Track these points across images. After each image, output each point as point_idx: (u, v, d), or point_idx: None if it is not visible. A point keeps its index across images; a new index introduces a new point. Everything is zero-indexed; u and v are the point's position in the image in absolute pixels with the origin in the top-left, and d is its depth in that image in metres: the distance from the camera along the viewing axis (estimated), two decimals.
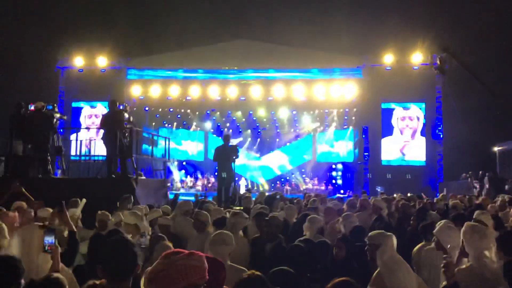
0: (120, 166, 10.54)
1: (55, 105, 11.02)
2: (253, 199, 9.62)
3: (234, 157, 10.91)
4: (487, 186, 16.96)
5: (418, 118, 21.94)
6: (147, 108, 23.63)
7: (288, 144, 26.62)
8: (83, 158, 13.64)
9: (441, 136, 21.50)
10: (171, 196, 12.67)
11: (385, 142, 21.95)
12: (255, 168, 26.52)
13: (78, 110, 22.89)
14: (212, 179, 23.16)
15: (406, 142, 21.84)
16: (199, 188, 23.10)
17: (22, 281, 2.68)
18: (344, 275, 3.07)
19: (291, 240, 5.11)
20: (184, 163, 26.06)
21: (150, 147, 13.50)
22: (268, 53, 21.65)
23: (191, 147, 26.75)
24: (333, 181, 23.99)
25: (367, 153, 21.57)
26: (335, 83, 22.15)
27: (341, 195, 18.28)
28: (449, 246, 3.96)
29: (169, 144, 13.62)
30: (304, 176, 25.62)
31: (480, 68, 18.39)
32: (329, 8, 21.57)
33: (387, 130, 22.00)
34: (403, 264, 4.00)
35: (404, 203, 8.37)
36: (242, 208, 8.17)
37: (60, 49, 21.28)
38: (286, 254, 4.43)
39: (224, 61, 22.11)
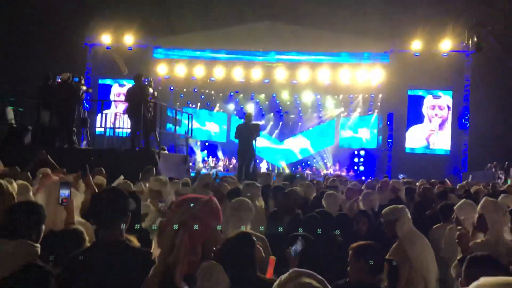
0: (144, 139, 10.69)
1: (81, 77, 11.19)
2: (274, 179, 9.64)
3: (255, 136, 10.92)
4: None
5: (448, 107, 21.52)
6: (172, 88, 23.82)
7: (310, 128, 26.51)
8: (107, 133, 13.87)
9: (468, 125, 21.08)
10: (192, 174, 12.80)
11: (412, 130, 21.60)
12: (277, 152, 26.55)
13: (105, 87, 23.18)
14: (234, 160, 23.28)
15: (432, 132, 21.47)
16: (221, 168, 23.28)
17: (43, 227, 2.77)
18: None
19: None
20: (206, 143, 26.27)
21: (174, 126, 13.63)
22: (293, 35, 21.46)
23: (214, 128, 26.91)
24: (355, 168, 23.85)
25: (390, 140, 21.33)
26: (362, 67, 21.89)
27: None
28: (469, 222, 3.93)
29: (192, 121, 13.73)
30: (325, 161, 25.53)
31: None
32: None
33: (413, 117, 21.66)
34: (421, 235, 4.03)
35: (426, 186, 8.29)
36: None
37: (88, 26, 21.50)
38: (303, 224, 4.46)
39: (250, 42, 22.02)
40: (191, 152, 21.79)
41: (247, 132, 10.94)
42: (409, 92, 21.69)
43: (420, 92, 21.70)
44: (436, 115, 21.53)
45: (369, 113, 24.48)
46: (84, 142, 12.11)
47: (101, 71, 22.64)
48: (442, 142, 21.48)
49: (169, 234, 1.97)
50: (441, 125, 21.50)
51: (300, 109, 25.77)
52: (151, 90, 10.98)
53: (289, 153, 26.69)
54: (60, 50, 18.62)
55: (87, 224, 3.59)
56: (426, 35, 20.56)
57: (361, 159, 24.11)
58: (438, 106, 21.55)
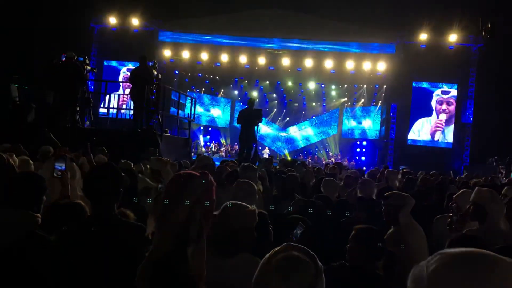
0: (146, 121, 10.73)
1: (86, 57, 11.21)
2: (275, 165, 9.70)
3: (257, 121, 10.93)
4: None
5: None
6: (176, 72, 23.80)
7: (314, 117, 26.51)
8: (111, 115, 13.91)
9: (471, 119, 21.03)
10: (193, 158, 12.85)
11: (419, 122, 21.48)
12: (279, 139, 26.58)
13: (110, 69, 23.17)
14: (236, 146, 23.33)
15: (438, 128, 21.37)
16: (223, 154, 23.37)
17: (44, 198, 2.82)
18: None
19: None
20: (209, 128, 26.34)
21: (177, 109, 13.67)
22: (300, 23, 21.35)
23: (218, 113, 26.93)
24: (357, 157, 23.90)
25: (393, 131, 21.32)
26: (367, 58, 21.82)
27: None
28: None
29: (195, 105, 13.75)
30: (327, 150, 25.56)
31: None
32: None
33: (417, 109, 21.58)
34: (417, 224, 4.07)
35: (424, 176, 8.32)
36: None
37: (95, 7, 21.43)
38: (301, 209, 4.51)
39: (256, 29, 21.92)
40: (194, 136, 21.85)
41: (249, 117, 10.95)
42: (414, 84, 21.60)
43: (424, 85, 21.60)
44: (443, 110, 21.41)
45: (373, 104, 24.44)
46: (87, 122, 12.16)
47: (107, 53, 22.62)
48: (445, 135, 21.42)
49: (178, 213, 1.91)
50: (447, 121, 21.39)
51: (304, 97, 25.74)
52: (155, 72, 10.98)
53: (292, 142, 26.73)
54: (66, 30, 18.58)
55: (86, 199, 3.65)
56: (433, 27, 20.42)
57: (363, 149, 24.17)
58: (446, 101, 21.42)
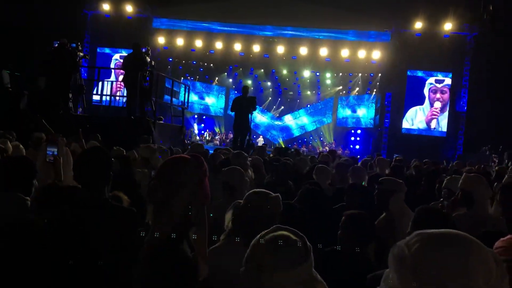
0: (139, 108, 10.68)
1: (79, 44, 11.11)
2: (269, 153, 9.71)
3: (251, 109, 10.93)
4: (506, 161, 16.71)
5: (449, 92, 21.42)
6: (170, 59, 23.66)
7: (309, 105, 26.50)
8: (104, 102, 13.83)
9: (465, 108, 21.10)
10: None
11: (412, 111, 21.55)
12: (274, 127, 26.59)
13: (103, 56, 22.99)
14: (231, 135, 23.32)
15: (434, 116, 21.42)
16: (217, 142, 23.35)
17: (35, 182, 2.82)
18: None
19: None
20: (204, 117, 26.28)
21: (171, 97, 13.63)
22: (295, 10, 21.22)
23: (212, 101, 26.86)
24: (351, 146, 23.97)
25: (387, 120, 21.37)
26: (362, 46, 21.77)
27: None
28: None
29: (189, 93, 13.70)
30: (322, 139, 25.61)
31: None
32: None
33: (412, 98, 21.62)
34: (409, 211, 4.08)
35: (417, 164, 8.36)
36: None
37: None
38: (295, 197, 4.53)
39: (251, 16, 21.79)
40: (188, 124, 21.81)
41: (244, 105, 10.94)
42: (408, 73, 21.60)
43: (419, 73, 21.61)
44: (438, 99, 21.45)
45: (368, 92, 24.45)
46: (80, 109, 12.09)
47: (100, 40, 22.42)
48: (440, 124, 21.49)
49: (179, 197, 1.91)
50: (442, 109, 21.45)
51: (299, 85, 25.70)
52: (148, 59, 10.91)
53: (286, 130, 26.74)
54: (58, 17, 18.38)
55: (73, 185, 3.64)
56: (428, 15, 20.37)
57: (358, 138, 24.23)
58: (440, 90, 21.45)
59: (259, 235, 1.61)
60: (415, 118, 21.45)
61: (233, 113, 11.59)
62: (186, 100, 13.58)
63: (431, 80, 21.47)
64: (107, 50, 22.97)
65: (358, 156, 18.22)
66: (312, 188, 4.65)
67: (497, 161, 17.39)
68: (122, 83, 12.89)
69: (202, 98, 26.49)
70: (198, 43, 22.50)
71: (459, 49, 20.87)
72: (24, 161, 2.85)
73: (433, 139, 21.29)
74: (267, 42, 22.29)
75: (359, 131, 24.47)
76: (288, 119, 26.87)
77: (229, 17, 22.05)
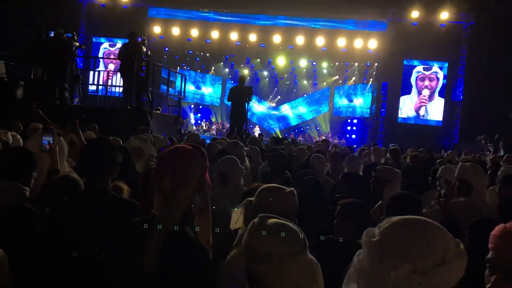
0: (136, 98, 10.66)
1: (74, 33, 11.06)
2: (266, 143, 9.73)
3: (247, 98, 10.93)
4: (501, 150, 16.81)
5: (438, 79, 21.49)
6: (166, 49, 23.56)
7: (305, 95, 26.49)
8: (100, 92, 13.81)
9: (461, 97, 21.16)
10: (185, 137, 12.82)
11: (403, 100, 21.65)
12: (270, 117, 26.58)
13: (99, 46, 22.88)
14: (227, 125, 23.30)
15: (422, 103, 21.50)
16: (214, 132, 23.34)
17: (35, 174, 2.83)
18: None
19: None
20: (200, 106, 26.24)
21: (167, 87, 13.60)
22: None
23: (208, 91, 26.80)
24: (347, 135, 24.02)
25: (383, 109, 21.41)
26: (359, 35, 21.72)
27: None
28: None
29: (185, 82, 13.68)
30: (318, 128, 25.64)
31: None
32: None
33: (407, 87, 21.66)
34: None
35: (414, 153, 8.40)
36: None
37: None
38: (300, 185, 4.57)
39: (247, 5, 21.69)
40: (184, 114, 21.79)
41: (240, 95, 10.94)
42: (405, 62, 21.61)
43: (415, 63, 21.62)
44: (426, 86, 21.50)
45: (364, 81, 24.45)
46: (77, 99, 12.06)
47: (95, 29, 22.29)
48: (433, 112, 21.53)
49: (186, 187, 1.91)
50: (431, 96, 21.51)
51: (295, 75, 25.66)
52: (144, 49, 10.87)
53: (283, 120, 26.74)
54: (54, 6, 18.26)
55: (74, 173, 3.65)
56: (425, 4, 20.33)
57: (354, 128, 24.27)
58: (429, 77, 21.49)
59: (255, 221, 1.59)
60: (403, 107, 21.52)
61: (229, 103, 11.59)
62: (182, 90, 13.56)
63: (419, 68, 21.51)
64: (102, 40, 22.85)
65: (355, 146, 18.31)
66: (311, 178, 4.69)
67: (492, 150, 17.49)
68: (111, 72, 12.85)
69: (198, 87, 26.43)
70: (194, 33, 22.39)
71: (455, 38, 20.88)
72: (23, 152, 2.86)
73: (429, 128, 21.36)
74: (263, 31, 22.20)
75: (355, 121, 24.51)
76: (285, 109, 26.86)
77: (225, 6, 21.95)
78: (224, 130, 23.13)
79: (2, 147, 4.24)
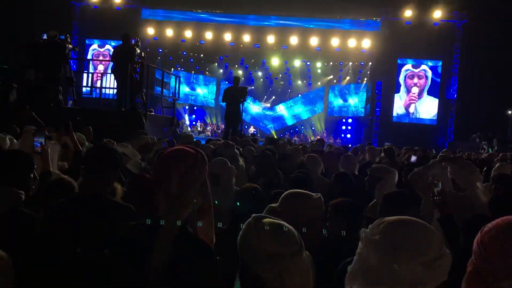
0: (130, 100, 10.63)
1: (68, 35, 11.01)
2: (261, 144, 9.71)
3: (242, 99, 10.92)
4: (496, 147, 16.91)
5: (426, 77, 21.57)
6: (160, 50, 23.51)
7: (300, 95, 26.52)
8: (94, 94, 13.75)
9: (455, 95, 21.25)
10: None
11: (395, 98, 21.73)
12: (265, 117, 26.59)
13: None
14: (222, 126, 23.28)
15: (412, 101, 21.58)
16: (209, 133, 23.32)
17: (31, 175, 2.81)
18: None
19: None
20: (195, 108, 26.21)
21: (161, 88, 13.57)
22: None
23: (203, 92, 26.78)
24: (342, 135, 24.07)
25: (378, 109, 21.46)
26: (352, 34, 21.76)
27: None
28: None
29: (179, 84, 13.65)
30: (313, 128, 25.67)
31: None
32: None
33: (399, 86, 21.74)
34: None
35: (407, 152, 8.43)
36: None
37: None
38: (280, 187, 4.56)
39: (241, 6, 21.70)
40: (179, 116, 21.74)
41: (234, 95, 10.93)
42: (399, 61, 21.68)
43: (409, 62, 21.69)
44: (415, 84, 21.58)
45: (359, 81, 24.50)
46: (70, 102, 12.01)
47: (88, 31, 22.23)
48: (424, 111, 21.58)
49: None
50: (420, 94, 21.59)
51: (290, 75, 25.68)
52: (138, 50, 10.84)
53: (277, 120, 26.76)
54: (46, 8, 18.19)
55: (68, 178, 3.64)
56: (418, 3, 20.42)
57: (349, 127, 24.32)
58: (417, 75, 21.57)
59: (251, 221, 1.59)
60: (397, 106, 21.61)
61: (224, 104, 11.58)
62: (177, 91, 13.53)
63: (408, 66, 21.58)
64: (96, 42, 22.78)
65: (350, 145, 18.35)
66: (298, 176, 4.68)
67: (486, 148, 17.59)
68: (99, 74, 12.78)
69: (193, 89, 26.40)
70: (188, 34, 22.36)
71: (449, 36, 21.00)
72: (19, 154, 2.84)
73: (424, 127, 21.45)
74: (257, 32, 22.19)
75: (350, 120, 24.56)
76: (280, 109, 26.88)
77: (219, 7, 21.94)
78: (219, 131, 23.12)
79: None
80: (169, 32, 22.40)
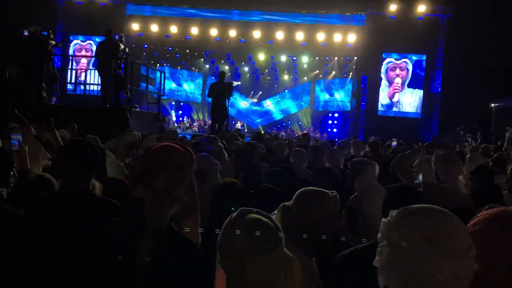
0: (114, 96, 10.55)
1: (50, 32, 10.87)
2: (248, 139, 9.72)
3: (228, 94, 10.91)
4: (479, 140, 17.13)
5: (407, 70, 21.74)
6: (145, 46, 23.33)
7: (286, 90, 26.55)
8: (78, 91, 13.61)
9: (439, 89, 21.45)
10: None
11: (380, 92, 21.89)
12: (253, 113, 26.60)
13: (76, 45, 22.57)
14: (209, 121, 23.21)
15: (396, 90, 21.75)
16: (196, 129, 23.24)
17: (11, 172, 2.78)
18: None
19: None
20: (181, 103, 26.10)
21: (146, 84, 13.48)
22: None
23: (189, 88, 26.67)
24: (329, 130, 24.17)
25: (364, 103, 21.59)
26: (338, 29, 21.81)
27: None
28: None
29: (164, 79, 13.59)
30: (300, 123, 25.74)
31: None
32: None
33: (381, 80, 21.89)
34: (381, 191, 4.13)
35: (386, 144, 8.50)
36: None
37: None
38: (268, 178, 4.57)
39: (226, 1, 21.62)
40: (166, 112, 21.65)
41: (220, 91, 10.91)
42: (384, 56, 21.80)
43: (394, 56, 21.82)
44: (398, 75, 21.73)
45: (344, 76, 24.60)
46: (54, 99, 11.88)
47: (72, 27, 21.96)
48: (406, 104, 21.73)
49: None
50: (402, 85, 21.78)
51: (276, 70, 25.69)
52: (122, 46, 10.75)
53: (267, 114, 26.79)
54: (29, 4, 17.95)
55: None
56: None
57: (335, 121, 24.43)
58: (399, 66, 21.74)
59: (229, 219, 1.59)
60: (378, 99, 21.77)
61: (210, 99, 11.55)
62: (162, 87, 13.47)
63: (390, 59, 21.73)
64: (80, 38, 22.53)
65: (336, 139, 18.42)
66: (277, 170, 4.70)
67: (471, 140, 17.81)
68: (82, 70, 12.64)
69: (179, 84, 26.29)
70: (173, 29, 22.21)
71: (433, 30, 21.14)
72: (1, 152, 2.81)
73: (409, 120, 21.62)
74: (243, 27, 22.14)
75: (336, 115, 24.67)
76: (267, 104, 26.90)
77: (205, 2, 21.82)
78: (206, 127, 23.06)
79: None
80: (154, 28, 22.23)
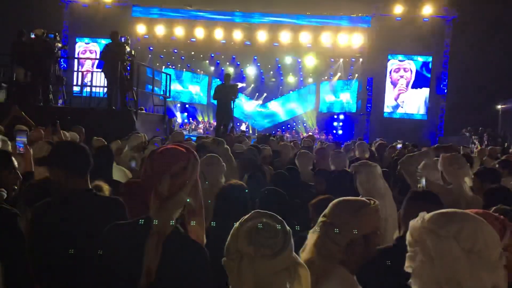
0: (120, 98, 10.58)
1: (57, 34, 10.94)
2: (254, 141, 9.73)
3: (233, 96, 10.91)
4: (486, 142, 17.03)
5: (411, 71, 21.68)
6: (151, 48, 23.41)
7: (291, 92, 26.54)
8: (84, 93, 13.66)
9: (445, 91, 21.37)
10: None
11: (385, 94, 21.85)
12: (258, 114, 26.60)
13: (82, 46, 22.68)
14: (214, 123, 23.21)
15: (401, 91, 21.70)
16: (201, 131, 23.27)
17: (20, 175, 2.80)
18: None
19: None
20: (187, 105, 26.15)
21: (152, 86, 13.52)
22: None
23: (194, 90, 26.72)
24: (334, 131, 24.13)
25: (369, 105, 21.54)
26: (343, 31, 21.79)
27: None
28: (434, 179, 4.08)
29: (170, 82, 13.61)
30: (305, 125, 25.70)
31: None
32: None
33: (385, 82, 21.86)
34: (384, 193, 4.11)
35: (390, 146, 8.49)
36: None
37: None
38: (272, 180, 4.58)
39: (231, 3, 21.66)
40: (171, 114, 21.69)
41: (225, 92, 10.92)
42: (389, 57, 21.76)
43: (400, 57, 21.77)
44: (401, 76, 21.68)
45: (350, 77, 24.55)
46: (61, 101, 11.94)
47: (79, 30, 22.07)
48: (409, 105, 21.67)
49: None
50: (406, 86, 21.72)
51: (281, 72, 25.68)
52: (128, 48, 10.80)
53: (272, 116, 26.78)
54: (36, 7, 18.07)
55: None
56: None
57: (340, 123, 24.38)
58: (403, 68, 21.68)
59: (238, 223, 1.61)
60: (384, 101, 21.72)
61: (215, 101, 11.57)
62: (168, 89, 13.50)
63: (394, 61, 21.68)
64: (86, 40, 22.63)
65: (341, 142, 18.35)
66: (281, 172, 4.70)
67: (477, 142, 17.71)
68: (86, 72, 12.66)
69: (184, 86, 26.33)
70: (179, 31, 22.26)
71: (439, 32, 21.08)
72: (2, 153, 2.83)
73: (415, 122, 21.56)
74: (248, 29, 22.15)
75: (341, 117, 24.61)
76: (272, 106, 26.89)
77: (209, 4, 21.87)
78: (211, 129, 23.08)
79: None
80: (160, 30, 22.28)
